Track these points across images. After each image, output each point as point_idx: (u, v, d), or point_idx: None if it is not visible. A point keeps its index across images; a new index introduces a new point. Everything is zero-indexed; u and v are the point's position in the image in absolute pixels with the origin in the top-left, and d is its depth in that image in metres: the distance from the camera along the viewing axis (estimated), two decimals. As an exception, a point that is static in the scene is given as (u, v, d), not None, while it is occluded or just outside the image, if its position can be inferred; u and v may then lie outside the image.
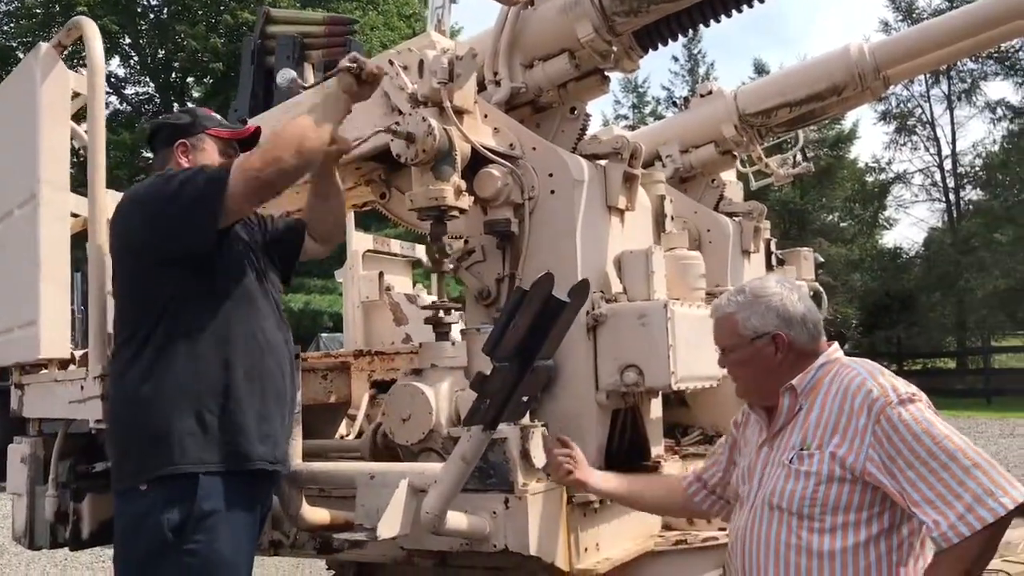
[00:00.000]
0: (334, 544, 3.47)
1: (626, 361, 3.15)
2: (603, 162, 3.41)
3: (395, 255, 5.97)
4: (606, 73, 3.67)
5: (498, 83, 3.53)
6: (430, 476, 2.57)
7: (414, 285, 6.07)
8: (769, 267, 5.35)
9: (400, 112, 3.54)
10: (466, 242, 3.36)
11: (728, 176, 5.43)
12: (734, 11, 3.56)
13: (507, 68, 3.52)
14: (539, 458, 2.84)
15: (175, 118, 3.04)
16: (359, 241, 5.70)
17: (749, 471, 2.51)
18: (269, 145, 2.72)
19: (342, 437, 3.94)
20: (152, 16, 30.43)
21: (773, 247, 5.43)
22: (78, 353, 3.31)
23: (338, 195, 3.18)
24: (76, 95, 3.21)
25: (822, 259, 6.09)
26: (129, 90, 32.21)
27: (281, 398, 2.79)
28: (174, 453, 2.55)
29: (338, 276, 6.10)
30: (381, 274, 5.52)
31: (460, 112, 3.07)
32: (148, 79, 31.82)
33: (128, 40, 30.38)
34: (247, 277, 2.79)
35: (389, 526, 2.50)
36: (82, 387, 2.84)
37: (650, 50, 3.70)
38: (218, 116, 3.08)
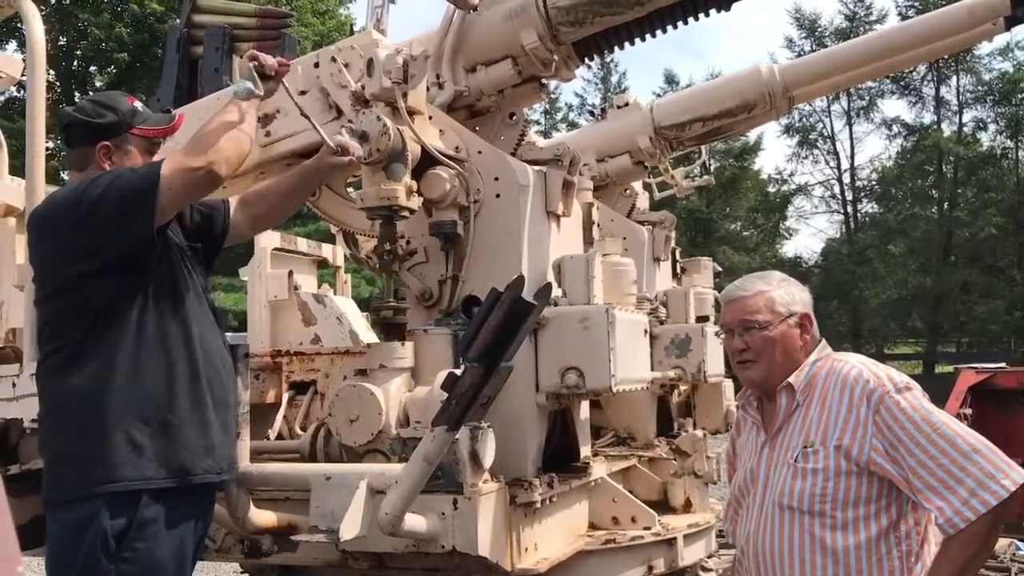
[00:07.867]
0: (263, 547, 3.40)
1: (567, 363, 3.21)
2: (543, 168, 3.46)
3: (302, 254, 5.85)
4: (543, 81, 3.74)
5: (440, 85, 3.53)
6: (389, 477, 2.57)
7: (319, 285, 5.98)
8: (675, 275, 5.54)
9: (338, 109, 3.52)
10: (408, 243, 3.35)
11: (636, 186, 5.59)
12: (670, 27, 3.68)
13: (451, 71, 3.53)
14: (488, 458, 2.86)
15: (95, 114, 2.73)
16: (267, 238, 5.55)
17: (753, 474, 2.52)
18: (204, 140, 2.59)
19: (267, 439, 3.84)
20: (53, 1, 28.43)
21: (678, 255, 5.63)
22: None
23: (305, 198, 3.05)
24: (-2, 77, 3.03)
25: (720, 268, 6.33)
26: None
27: (222, 405, 2.70)
28: (116, 470, 2.45)
29: (243, 274, 5.93)
30: (291, 273, 5.40)
31: (412, 113, 3.07)
32: (48, 67, 29.96)
33: (27, 25, 28.89)
34: (179, 281, 2.67)
35: (351, 527, 2.48)
36: (14, 384, 2.69)
37: (586, 60, 3.79)
38: (140, 107, 2.82)
